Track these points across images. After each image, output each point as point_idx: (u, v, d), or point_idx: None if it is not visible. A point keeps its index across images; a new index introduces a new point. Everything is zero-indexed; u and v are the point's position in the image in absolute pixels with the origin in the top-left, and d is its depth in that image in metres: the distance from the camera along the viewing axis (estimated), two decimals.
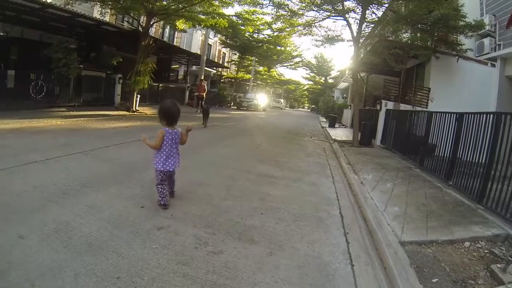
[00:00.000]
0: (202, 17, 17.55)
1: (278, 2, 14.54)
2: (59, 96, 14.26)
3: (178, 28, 18.87)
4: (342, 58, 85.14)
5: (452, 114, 7.59)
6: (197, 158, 7.73)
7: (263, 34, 36.39)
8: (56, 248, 3.08)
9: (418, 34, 14.25)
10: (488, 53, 12.85)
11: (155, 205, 4.39)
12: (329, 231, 4.32)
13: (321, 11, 14.21)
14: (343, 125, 25.85)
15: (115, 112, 15.09)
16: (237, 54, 41.36)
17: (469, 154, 6.54)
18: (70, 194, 4.44)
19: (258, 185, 6.09)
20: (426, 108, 13.27)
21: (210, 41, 36.72)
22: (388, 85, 15.85)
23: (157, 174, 4.35)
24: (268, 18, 25.64)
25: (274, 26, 18.47)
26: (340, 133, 18.14)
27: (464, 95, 13.15)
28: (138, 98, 16.82)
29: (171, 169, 4.38)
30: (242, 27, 30.37)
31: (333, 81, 57.75)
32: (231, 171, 6.86)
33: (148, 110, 17.34)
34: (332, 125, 23.51)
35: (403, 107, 13.27)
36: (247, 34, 34.64)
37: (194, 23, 17.64)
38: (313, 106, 79.79)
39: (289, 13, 14.90)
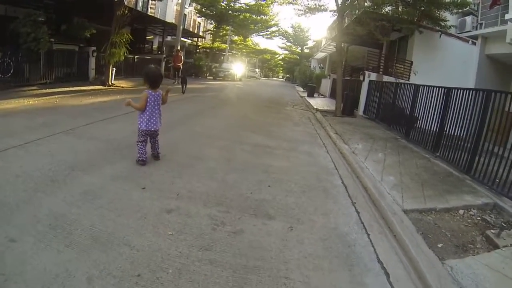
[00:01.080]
0: None
1: None
2: (30, 73, 13.25)
3: None
4: (319, 28, 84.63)
5: (440, 88, 7.71)
6: (187, 129, 7.61)
7: (240, 3, 35.48)
8: (57, 248, 2.67)
9: (401, 8, 14.30)
10: (470, 31, 13.37)
11: (157, 184, 4.22)
12: (338, 201, 4.47)
13: None
14: (322, 95, 25.85)
15: (90, 87, 14.44)
16: (213, 23, 40.44)
17: (456, 128, 6.75)
18: (59, 180, 4.02)
19: (256, 156, 6.12)
20: (408, 80, 13.35)
21: (185, 11, 35.44)
22: (371, 57, 15.72)
23: (140, 133, 4.81)
24: None
25: None
26: (321, 103, 18.22)
27: (445, 70, 13.37)
28: (114, 72, 16.15)
29: (153, 128, 4.81)
30: None
31: (309, 51, 57.53)
32: (226, 142, 6.82)
33: (124, 83, 16.79)
34: (311, 95, 23.58)
35: (386, 79, 13.34)
36: (223, 3, 33.69)
37: None
38: (287, 75, 79.68)
39: None
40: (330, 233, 3.50)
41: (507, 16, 9.68)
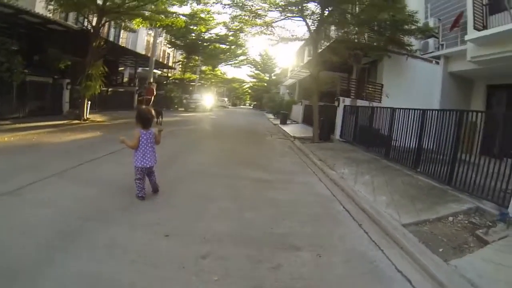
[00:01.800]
0: (159, 16, 16.90)
1: (242, 3, 14.49)
2: (1, 106, 12.74)
3: (135, 27, 17.82)
4: (285, 56, 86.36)
5: (416, 111, 8.43)
6: (181, 167, 7.61)
7: (211, 33, 35.90)
8: None
9: (373, 36, 15.07)
10: (433, 51, 14.23)
11: (179, 230, 4.17)
12: (347, 225, 4.81)
13: (283, 13, 14.34)
14: (294, 121, 26.20)
15: (65, 121, 14.08)
16: (183, 54, 40.65)
17: (434, 144, 7.52)
18: (74, 234, 3.71)
19: (259, 191, 6.25)
20: (380, 102, 14.08)
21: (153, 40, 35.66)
22: (344, 82, 16.23)
23: (136, 170, 5.03)
24: (222, 18, 25.50)
25: (230, 25, 18.22)
26: (295, 130, 18.60)
27: (412, 90, 14.43)
28: (89, 105, 15.84)
29: (147, 165, 5.02)
30: (195, 27, 29.63)
31: (276, 78, 58.46)
32: (225, 180, 6.84)
33: (99, 117, 16.50)
34: (283, 122, 23.90)
35: (360, 103, 13.90)
36: (194, 34, 34.02)
37: (151, 23, 16.91)
38: (255, 103, 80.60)
39: (249, 14, 14.88)
40: (351, 254, 3.85)
41: (466, 37, 10.60)
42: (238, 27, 17.12)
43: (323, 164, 8.95)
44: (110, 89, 21.76)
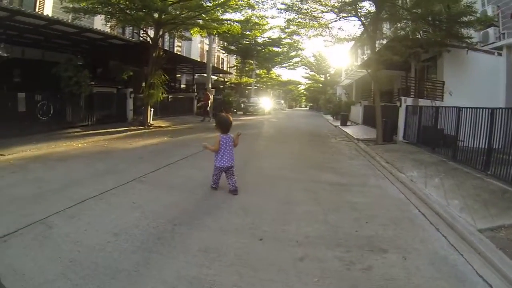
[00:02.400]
0: (214, 24, 17.32)
1: (298, 7, 14.51)
2: (72, 116, 13.83)
3: (193, 36, 18.39)
4: (338, 56, 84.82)
5: (484, 110, 7.92)
6: (257, 171, 7.75)
7: (263, 37, 36.12)
8: None
9: (431, 31, 14.29)
10: (493, 42, 13.31)
11: (270, 233, 4.20)
12: (425, 229, 4.71)
13: (339, 14, 14.19)
14: (354, 123, 25.63)
15: (130, 128, 14.89)
16: (238, 58, 41.16)
17: (505, 145, 7.04)
18: (166, 237, 3.84)
19: (338, 195, 6.22)
20: (442, 101, 13.42)
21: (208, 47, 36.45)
22: (402, 81, 15.80)
23: (215, 169, 5.74)
24: (275, 21, 25.57)
25: (286, 29, 18.27)
26: (357, 131, 18.15)
27: (475, 84, 13.38)
28: (151, 112, 16.57)
29: (225, 165, 5.62)
30: (248, 32, 29.98)
31: (330, 78, 57.65)
32: (303, 184, 6.83)
33: (162, 123, 17.27)
34: (344, 124, 23.44)
35: (422, 102, 13.28)
36: (247, 39, 34.36)
37: (209, 31, 17.32)
38: (311, 104, 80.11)
39: (305, 16, 14.87)
40: (435, 258, 3.81)
41: None
42: (293, 30, 17.09)
43: (391, 167, 8.71)
44: (170, 96, 22.59)
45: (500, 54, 12.90)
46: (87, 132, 12.52)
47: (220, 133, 5.73)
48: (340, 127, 21.92)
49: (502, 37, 13.17)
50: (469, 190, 6.42)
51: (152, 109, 16.71)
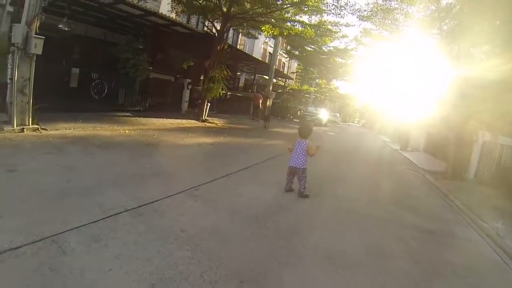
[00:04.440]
0: (288, 24, 16.12)
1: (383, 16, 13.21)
2: (124, 98, 13.19)
3: (265, 34, 17.13)
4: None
5: None
6: (337, 205, 5.98)
7: (330, 46, 34.53)
8: None
9: None
10: None
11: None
12: None
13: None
14: (414, 149, 23.66)
15: (184, 120, 14.04)
16: (300, 64, 39.98)
17: None
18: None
19: (432, 249, 4.81)
20: None
21: (271, 50, 35.45)
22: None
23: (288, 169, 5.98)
24: (348, 31, 24.26)
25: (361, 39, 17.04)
26: (420, 159, 16.25)
27: None
28: (208, 107, 15.59)
29: (292, 165, 5.87)
30: (317, 38, 28.48)
31: None
32: (388, 227, 5.32)
33: (217, 120, 16.26)
34: (404, 148, 21.48)
35: (502, 140, 11.31)
36: (313, 45, 32.93)
37: (281, 30, 16.05)
38: (363, 121, 77.97)
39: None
40: None
41: None
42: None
43: (470, 212, 7.34)
44: (229, 93, 21.50)
45: None
46: (137, 118, 11.72)
47: (299, 137, 6.02)
48: (400, 151, 20.23)
49: None
50: None
51: (209, 104, 15.78)
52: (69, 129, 7.91)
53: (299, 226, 4.45)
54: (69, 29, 13.06)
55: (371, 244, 4.38)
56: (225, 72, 14.73)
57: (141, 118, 11.95)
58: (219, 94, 15.01)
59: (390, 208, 6.54)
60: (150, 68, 13.99)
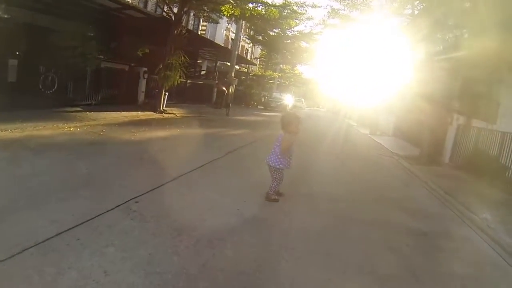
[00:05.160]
0: (251, 6, 15.20)
1: None
2: (74, 92, 11.93)
3: (225, 14, 15.95)
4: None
5: None
6: (316, 207, 5.26)
7: (294, 31, 33.76)
8: None
9: None
10: None
11: None
12: None
13: None
14: (383, 132, 23.47)
15: (140, 112, 12.95)
16: (263, 50, 39.18)
17: None
18: None
19: (431, 258, 4.11)
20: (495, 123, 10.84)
21: (234, 36, 34.48)
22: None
23: None
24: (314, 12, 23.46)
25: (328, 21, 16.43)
26: (391, 144, 16.08)
27: None
28: (166, 96, 14.57)
29: (266, 161, 5.14)
30: (281, 21, 27.50)
31: None
32: (379, 233, 4.58)
33: (176, 111, 15.22)
34: (373, 133, 21.50)
35: (476, 123, 10.99)
36: (276, 30, 32.10)
37: (242, 11, 15.02)
38: (329, 105, 78.57)
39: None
40: None
41: None
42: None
43: (455, 201, 6.87)
44: (188, 81, 20.46)
45: None
46: (87, 113, 10.56)
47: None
48: (370, 136, 20.17)
49: None
50: None
51: (167, 94, 14.79)
52: (5, 130, 6.75)
53: (267, 254, 3.45)
54: (7, 16, 11.61)
55: (361, 261, 3.63)
56: (183, 58, 13.72)
57: (92, 112, 10.80)
58: (177, 82, 14.03)
59: (374, 206, 5.84)
60: (101, 56, 12.71)
